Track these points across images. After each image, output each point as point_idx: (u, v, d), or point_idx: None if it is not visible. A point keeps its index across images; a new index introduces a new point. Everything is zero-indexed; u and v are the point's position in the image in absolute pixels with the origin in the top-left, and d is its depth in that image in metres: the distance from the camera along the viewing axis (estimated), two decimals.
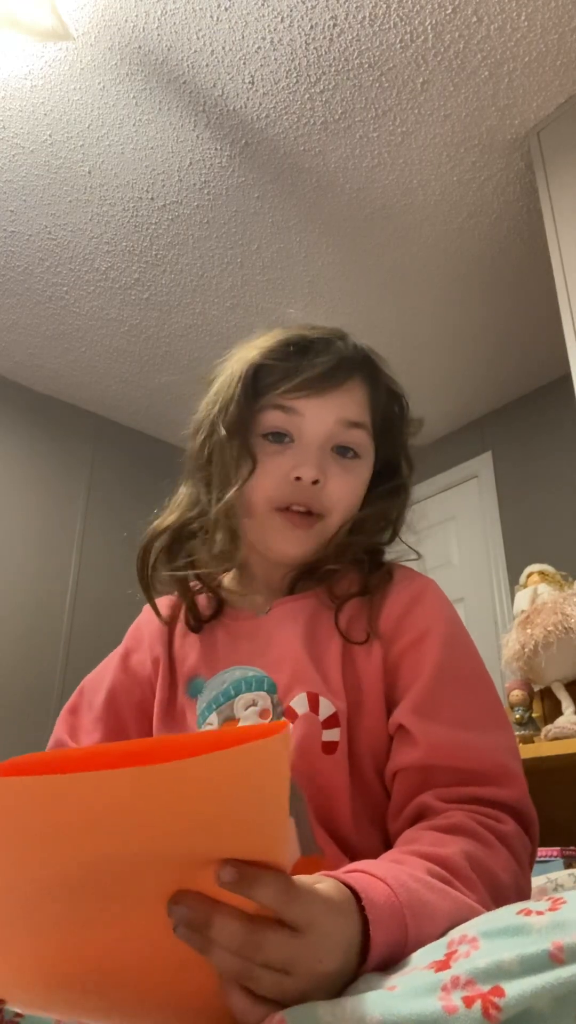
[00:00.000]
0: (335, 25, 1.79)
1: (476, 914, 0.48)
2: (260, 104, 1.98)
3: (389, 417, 0.80)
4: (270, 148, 2.10)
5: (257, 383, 0.75)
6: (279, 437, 0.75)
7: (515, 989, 0.33)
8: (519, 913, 0.40)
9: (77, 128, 2.05)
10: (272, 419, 0.74)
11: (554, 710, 1.93)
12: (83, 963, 0.39)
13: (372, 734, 0.69)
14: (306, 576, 0.78)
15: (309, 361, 0.74)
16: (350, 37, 1.82)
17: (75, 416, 3.27)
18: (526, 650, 1.85)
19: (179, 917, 0.37)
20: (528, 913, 0.40)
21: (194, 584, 0.80)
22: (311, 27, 1.80)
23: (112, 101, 1.98)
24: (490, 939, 0.38)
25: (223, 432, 0.75)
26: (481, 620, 3.00)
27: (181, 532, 0.78)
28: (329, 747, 0.68)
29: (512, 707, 1.91)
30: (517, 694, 1.90)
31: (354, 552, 0.77)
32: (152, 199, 2.26)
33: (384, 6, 1.75)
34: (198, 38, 1.82)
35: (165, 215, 2.31)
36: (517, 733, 1.88)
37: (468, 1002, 0.33)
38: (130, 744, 0.34)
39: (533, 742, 1.83)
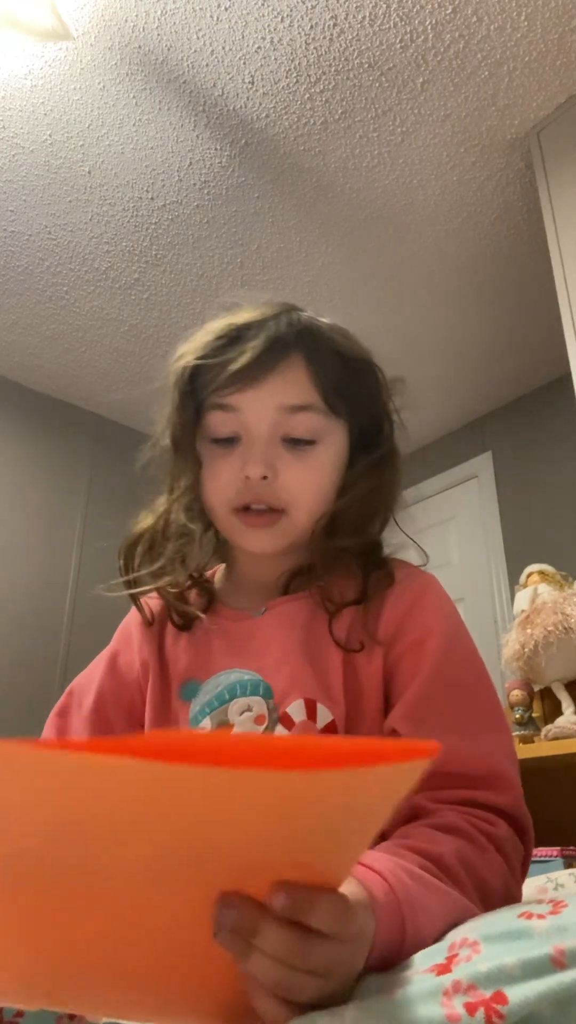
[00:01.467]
0: (335, 25, 1.79)
1: (471, 914, 0.47)
2: (260, 104, 1.98)
3: (350, 386, 0.73)
4: (270, 148, 2.10)
5: (195, 384, 0.72)
6: (228, 440, 0.71)
7: (518, 995, 0.33)
8: (520, 916, 0.40)
9: (77, 128, 2.05)
10: (215, 421, 0.71)
11: (554, 710, 1.93)
12: (84, 952, 0.37)
13: None
14: (300, 575, 0.74)
15: (237, 351, 0.69)
16: (350, 37, 1.82)
17: (75, 416, 3.27)
18: (526, 650, 1.85)
19: (227, 922, 0.35)
20: (529, 916, 0.39)
21: (184, 581, 0.77)
22: (311, 27, 1.80)
23: (112, 101, 1.98)
24: (491, 943, 0.37)
25: (167, 441, 0.74)
26: (481, 620, 3.00)
27: (157, 535, 0.76)
28: None
29: (512, 707, 1.91)
30: (517, 694, 1.90)
31: (344, 561, 0.72)
32: (152, 199, 2.26)
33: (384, 6, 1.75)
34: (198, 38, 1.82)
35: (165, 215, 2.31)
36: (517, 733, 1.88)
37: (471, 1009, 0.33)
38: (234, 739, 0.29)
39: (533, 742, 1.83)
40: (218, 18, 1.78)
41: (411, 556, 0.78)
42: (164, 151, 2.11)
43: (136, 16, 1.78)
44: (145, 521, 0.77)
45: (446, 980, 0.35)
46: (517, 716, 1.89)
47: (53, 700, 0.80)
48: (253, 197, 2.25)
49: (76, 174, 2.18)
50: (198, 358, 0.71)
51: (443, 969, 0.37)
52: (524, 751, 1.79)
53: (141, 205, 2.28)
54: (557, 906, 0.40)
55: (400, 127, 2.04)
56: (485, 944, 0.37)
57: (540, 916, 0.39)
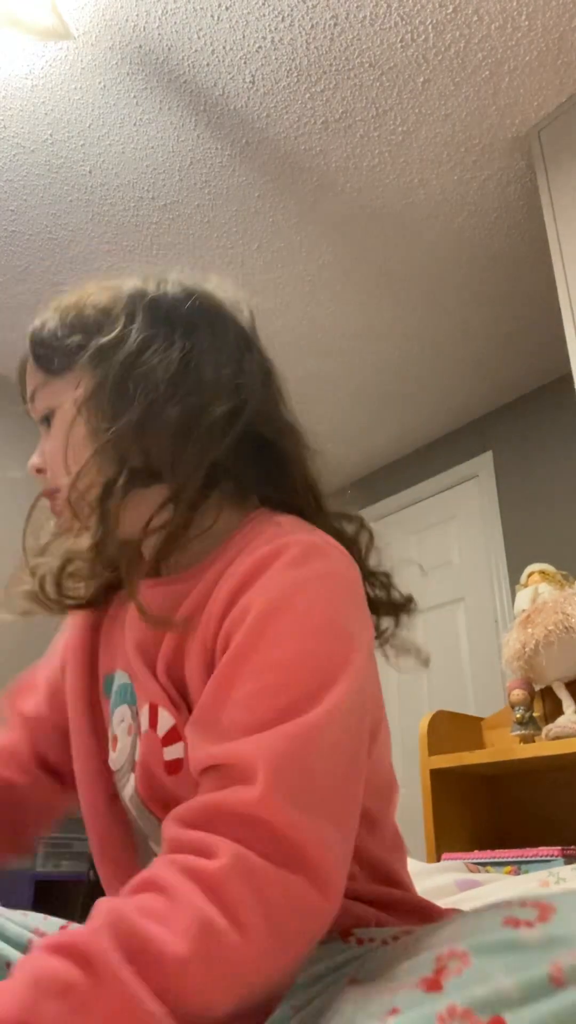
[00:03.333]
0: (336, 24, 1.79)
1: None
2: (261, 104, 1.98)
3: (64, 335, 0.69)
4: (271, 148, 2.10)
5: None
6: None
7: (517, 1022, 0.31)
8: (506, 923, 0.38)
9: (78, 127, 2.05)
10: None
11: (555, 709, 1.93)
12: None
13: None
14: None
15: None
16: (351, 36, 1.82)
17: None
18: (527, 649, 1.85)
19: None
20: (516, 924, 0.38)
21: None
22: (312, 26, 1.80)
23: (113, 100, 1.98)
24: (481, 955, 0.36)
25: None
26: (481, 620, 3.00)
27: None
28: (173, 766, 0.58)
29: (513, 706, 1.91)
30: (518, 693, 1.90)
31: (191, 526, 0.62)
32: (153, 198, 2.26)
33: (385, 5, 1.75)
34: (199, 37, 1.82)
35: (166, 214, 2.31)
36: (517, 733, 1.88)
37: None
38: None
39: (534, 741, 1.83)
40: (219, 18, 1.78)
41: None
42: (165, 151, 2.11)
43: (137, 16, 1.78)
44: None
45: (440, 1003, 0.33)
46: (518, 716, 1.89)
47: None
48: (253, 197, 2.25)
49: (77, 174, 2.18)
50: None
51: (432, 984, 0.35)
52: (525, 751, 1.79)
53: (142, 205, 2.28)
54: (544, 911, 0.38)
55: (401, 126, 2.04)
56: (475, 956, 0.36)
57: (528, 924, 0.37)
